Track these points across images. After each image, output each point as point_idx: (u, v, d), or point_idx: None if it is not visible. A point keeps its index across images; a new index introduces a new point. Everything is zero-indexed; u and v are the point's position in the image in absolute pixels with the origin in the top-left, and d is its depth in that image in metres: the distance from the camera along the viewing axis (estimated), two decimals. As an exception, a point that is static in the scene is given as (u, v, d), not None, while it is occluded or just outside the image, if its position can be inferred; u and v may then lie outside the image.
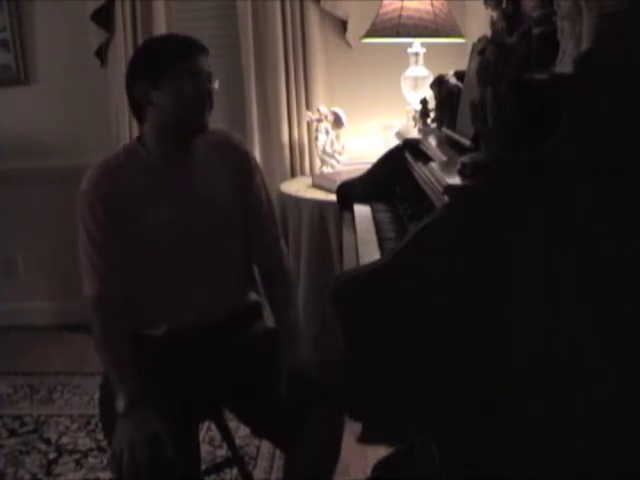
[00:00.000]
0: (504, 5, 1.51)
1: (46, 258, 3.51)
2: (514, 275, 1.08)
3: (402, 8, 2.64)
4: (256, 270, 1.78)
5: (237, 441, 2.00)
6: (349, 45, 3.14)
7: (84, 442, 2.44)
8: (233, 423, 1.95)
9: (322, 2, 3.05)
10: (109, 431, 1.52)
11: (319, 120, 2.97)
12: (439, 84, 1.86)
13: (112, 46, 3.20)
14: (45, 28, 3.34)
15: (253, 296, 1.78)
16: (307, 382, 1.53)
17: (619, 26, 1.02)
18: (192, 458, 1.54)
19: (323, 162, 3.01)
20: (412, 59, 2.80)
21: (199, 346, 1.63)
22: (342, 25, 3.14)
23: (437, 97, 1.89)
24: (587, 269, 1.07)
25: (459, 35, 2.69)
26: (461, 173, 1.13)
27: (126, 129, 3.18)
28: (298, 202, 2.69)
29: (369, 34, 2.75)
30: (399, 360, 1.12)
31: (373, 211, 1.85)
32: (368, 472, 2.08)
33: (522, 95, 1.12)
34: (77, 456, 2.36)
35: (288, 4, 3.02)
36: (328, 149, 2.98)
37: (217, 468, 2.03)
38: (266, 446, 2.32)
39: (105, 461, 2.29)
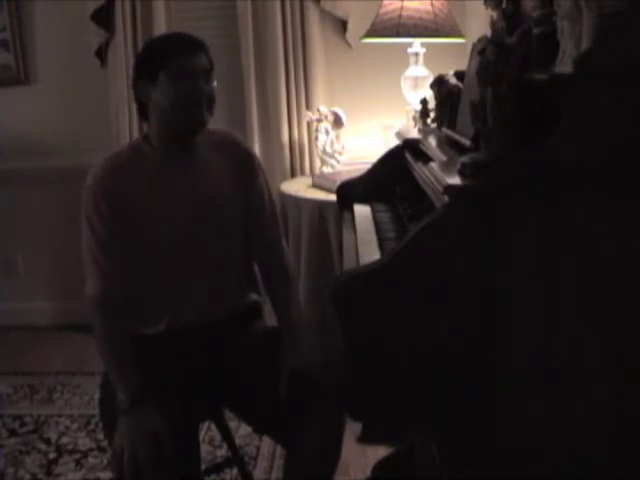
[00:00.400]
0: (504, 5, 1.51)
1: (46, 258, 3.51)
2: (514, 275, 1.08)
3: (402, 8, 2.64)
4: (257, 269, 1.78)
5: (237, 441, 2.00)
6: (349, 45, 3.14)
7: (84, 442, 2.44)
8: (233, 423, 1.95)
9: (322, 2, 3.05)
10: (109, 431, 1.52)
11: (319, 120, 2.97)
12: (439, 84, 1.86)
13: (112, 46, 3.20)
14: (45, 28, 3.34)
15: (253, 296, 1.78)
16: (307, 380, 1.53)
17: (619, 26, 1.02)
18: (192, 458, 1.53)
19: (323, 162, 3.01)
20: (412, 59, 2.80)
21: (199, 346, 1.63)
22: (342, 25, 3.14)
23: (437, 97, 1.89)
24: (587, 269, 1.07)
25: (459, 35, 2.69)
26: (461, 173, 1.13)
27: (126, 129, 3.18)
28: (298, 202, 2.69)
29: (369, 34, 2.75)
30: (399, 360, 1.12)
31: (373, 211, 1.85)
32: (368, 472, 2.08)
33: (522, 95, 1.12)
34: (77, 456, 2.36)
35: (288, 4, 3.02)
36: (328, 149, 2.98)
37: (217, 468, 2.02)
38: (266, 446, 2.32)
39: (105, 461, 2.29)
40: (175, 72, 1.52)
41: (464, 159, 1.14)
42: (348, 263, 1.48)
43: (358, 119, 3.09)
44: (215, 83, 1.60)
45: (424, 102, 2.03)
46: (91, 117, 3.35)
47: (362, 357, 1.14)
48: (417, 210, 1.54)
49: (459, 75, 1.79)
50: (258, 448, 2.33)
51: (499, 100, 1.11)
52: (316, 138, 3.01)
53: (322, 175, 2.88)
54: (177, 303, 1.62)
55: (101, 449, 2.37)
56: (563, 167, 1.05)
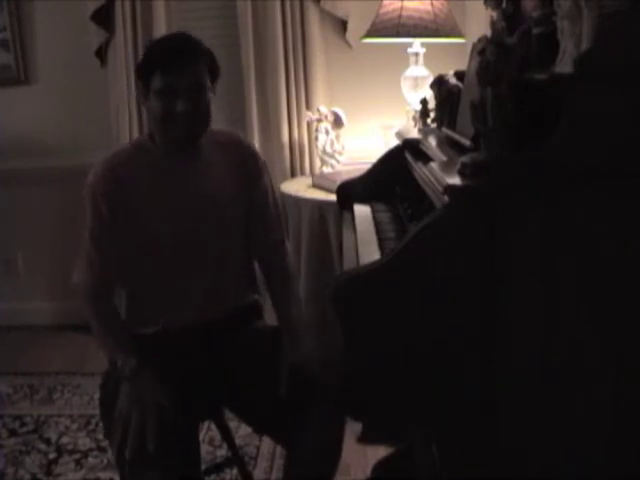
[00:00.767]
0: (504, 5, 1.51)
1: (46, 258, 3.51)
2: (514, 275, 1.08)
3: (402, 8, 2.64)
4: (258, 268, 1.79)
5: (237, 441, 2.00)
6: (349, 45, 3.14)
7: (84, 442, 2.44)
8: (233, 423, 1.95)
9: (322, 2, 3.05)
10: (109, 431, 1.52)
11: (319, 120, 2.97)
12: (439, 84, 1.86)
13: (112, 46, 3.20)
14: (45, 28, 3.34)
15: (253, 295, 1.78)
16: (307, 380, 1.53)
17: (619, 26, 1.02)
18: (192, 458, 1.53)
19: (323, 162, 3.01)
20: (412, 59, 2.80)
21: (199, 345, 1.63)
22: (342, 25, 3.14)
23: (437, 97, 1.89)
24: (587, 269, 1.07)
25: (459, 35, 2.69)
26: (461, 173, 1.13)
27: (126, 129, 3.18)
28: (298, 202, 2.69)
29: (369, 34, 2.75)
30: (399, 360, 1.12)
31: (373, 211, 1.85)
32: (368, 472, 2.08)
33: (522, 95, 1.12)
34: (77, 456, 2.36)
35: (288, 4, 3.02)
36: (328, 149, 2.98)
37: (217, 468, 2.03)
38: (266, 446, 2.32)
39: (105, 461, 2.29)
40: (158, 89, 1.52)
41: (464, 159, 1.14)
42: (348, 263, 1.48)
43: (358, 119, 3.09)
44: (212, 95, 1.57)
45: (424, 102, 2.03)
46: (91, 117, 3.35)
47: (362, 357, 1.14)
48: (417, 210, 1.54)
49: (459, 75, 1.79)
50: (258, 448, 2.33)
51: (499, 100, 1.11)
52: (316, 138, 3.01)
53: (322, 175, 2.88)
54: (177, 303, 1.62)
55: (101, 449, 2.37)
56: (563, 167, 1.05)
